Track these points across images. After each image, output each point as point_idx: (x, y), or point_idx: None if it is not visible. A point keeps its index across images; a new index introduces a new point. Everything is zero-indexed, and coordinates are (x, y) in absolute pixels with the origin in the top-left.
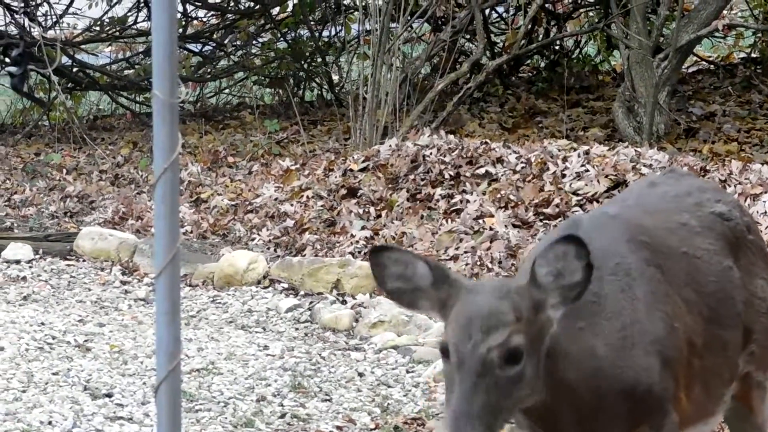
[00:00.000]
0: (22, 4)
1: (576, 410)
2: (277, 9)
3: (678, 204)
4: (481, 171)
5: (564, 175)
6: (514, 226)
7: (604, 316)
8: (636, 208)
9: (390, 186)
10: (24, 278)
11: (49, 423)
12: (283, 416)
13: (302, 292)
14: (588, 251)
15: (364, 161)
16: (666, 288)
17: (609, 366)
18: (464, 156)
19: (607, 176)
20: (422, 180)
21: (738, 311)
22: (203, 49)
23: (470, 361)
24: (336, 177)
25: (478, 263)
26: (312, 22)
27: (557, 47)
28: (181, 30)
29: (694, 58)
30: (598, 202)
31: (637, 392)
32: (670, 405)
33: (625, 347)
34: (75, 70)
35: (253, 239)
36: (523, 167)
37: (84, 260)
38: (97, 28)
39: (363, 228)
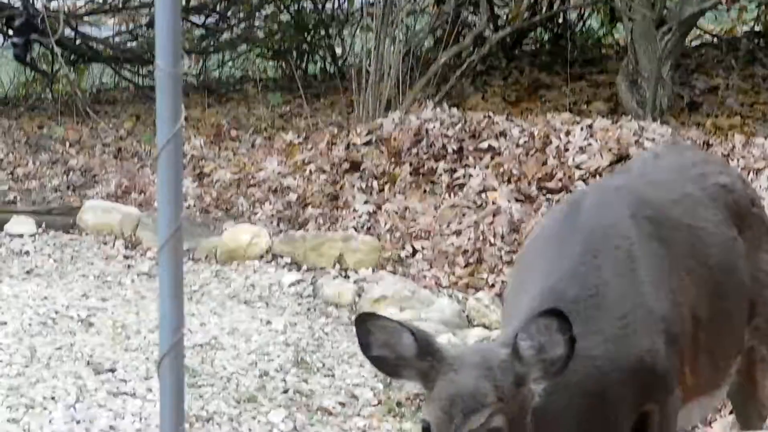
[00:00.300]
0: None
1: (577, 412)
2: None
3: (682, 175)
4: (484, 145)
5: (567, 149)
6: (517, 200)
7: (602, 307)
8: (640, 180)
9: (393, 160)
10: (27, 252)
11: (52, 398)
12: (285, 392)
13: (305, 267)
14: (570, 325)
15: (367, 135)
16: (670, 262)
17: (608, 362)
18: (467, 130)
19: (610, 150)
20: (425, 154)
21: (742, 283)
22: (206, 22)
23: None
24: (339, 151)
25: (481, 238)
26: None
27: (561, 20)
28: (184, 2)
29: (698, 32)
30: (600, 176)
31: (641, 373)
32: (674, 381)
33: (626, 335)
34: (78, 42)
35: (255, 213)
36: (526, 141)
37: (87, 234)
38: (100, 0)
39: (366, 202)
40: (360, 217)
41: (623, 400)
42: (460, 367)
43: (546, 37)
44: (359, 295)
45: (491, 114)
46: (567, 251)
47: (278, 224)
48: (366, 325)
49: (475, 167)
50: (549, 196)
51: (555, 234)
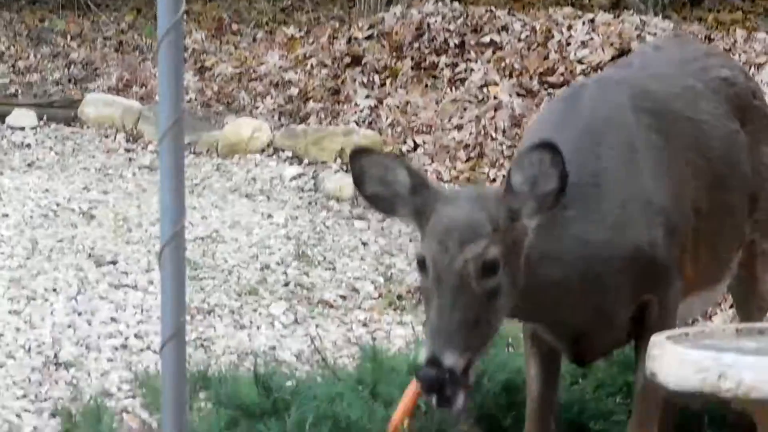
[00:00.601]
0: None
1: (574, 295)
2: None
3: (683, 69)
4: (486, 39)
5: (569, 44)
6: (519, 94)
7: (601, 195)
8: (641, 72)
9: (394, 54)
10: (28, 145)
11: (54, 290)
12: (286, 284)
13: (306, 161)
14: (563, 159)
15: (368, 29)
16: (670, 154)
17: (607, 247)
18: (469, 24)
19: (611, 44)
20: (427, 48)
21: (744, 175)
22: None
23: (447, 276)
24: (340, 45)
25: (482, 132)
26: None
27: None
28: None
29: None
30: (602, 70)
31: (640, 263)
32: (675, 273)
33: (625, 223)
34: None
35: (257, 107)
36: (527, 36)
37: (88, 127)
38: None
39: (367, 97)
40: (361, 111)
41: (620, 288)
42: (454, 201)
43: None
44: None
45: (493, 8)
46: (566, 137)
47: (279, 118)
48: (360, 161)
49: (476, 62)
50: (550, 90)
51: (554, 122)
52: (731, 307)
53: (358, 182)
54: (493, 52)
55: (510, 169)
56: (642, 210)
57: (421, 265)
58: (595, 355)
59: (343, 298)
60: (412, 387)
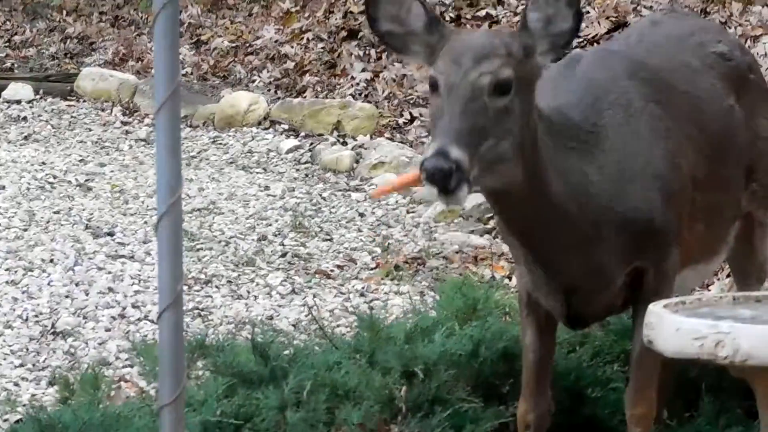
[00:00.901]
0: None
1: (570, 234)
2: None
3: (680, 44)
4: (482, 13)
5: None
6: None
7: (600, 147)
8: (638, 47)
9: None
10: (24, 118)
11: (51, 261)
12: (284, 255)
13: (303, 134)
14: None
15: (364, 3)
16: (667, 124)
17: (604, 195)
18: None
19: (608, 18)
20: None
21: (740, 149)
22: None
23: (460, 87)
24: (336, 19)
25: None
26: None
27: None
28: None
29: None
30: (598, 43)
31: (636, 224)
32: (673, 241)
33: (622, 179)
34: None
35: (253, 81)
36: (524, 7)
37: (84, 101)
38: None
39: (363, 70)
40: (358, 84)
41: (614, 242)
42: (469, 32)
43: None
44: (357, 161)
45: None
46: (566, 91)
47: (276, 91)
48: None
49: None
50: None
51: (552, 81)
52: (728, 276)
53: (373, 20)
54: (490, 26)
55: (526, 7)
56: (640, 171)
57: (433, 86)
58: (588, 317)
59: (341, 268)
60: (412, 173)
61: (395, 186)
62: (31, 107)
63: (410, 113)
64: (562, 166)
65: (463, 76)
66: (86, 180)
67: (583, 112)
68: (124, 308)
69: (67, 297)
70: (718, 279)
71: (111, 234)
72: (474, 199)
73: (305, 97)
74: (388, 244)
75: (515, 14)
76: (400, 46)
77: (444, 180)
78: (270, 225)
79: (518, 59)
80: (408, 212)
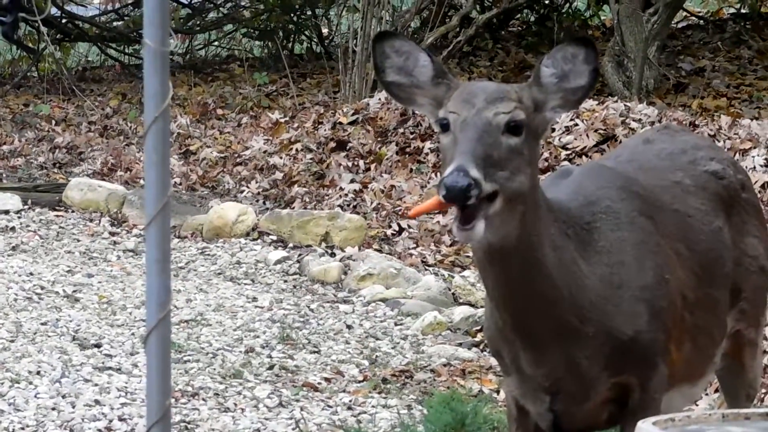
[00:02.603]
0: None
1: (557, 319)
2: None
3: (672, 162)
4: None
5: (553, 129)
6: None
7: (593, 247)
8: (630, 164)
9: (379, 139)
10: (13, 228)
11: (38, 373)
12: (271, 367)
13: (291, 245)
14: (597, 56)
15: (353, 114)
16: (657, 239)
17: (593, 291)
18: None
19: (596, 130)
20: (411, 133)
21: (727, 271)
22: (193, 1)
23: (475, 121)
24: (325, 130)
25: None
26: None
27: (547, 2)
28: None
29: (684, 14)
30: (587, 156)
31: (622, 337)
32: (659, 358)
33: (612, 284)
34: (64, 21)
35: (242, 191)
36: (538, 62)
37: (73, 211)
38: None
39: (352, 181)
40: (346, 195)
41: (600, 354)
42: (477, 81)
43: (532, 18)
44: (345, 273)
45: None
46: (561, 190)
47: (264, 202)
48: (383, 47)
49: None
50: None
51: (545, 187)
52: (716, 391)
53: (380, 70)
54: None
55: (540, 61)
56: (628, 281)
57: (444, 126)
58: (572, 426)
59: (328, 381)
60: (434, 198)
61: (429, 207)
62: (19, 217)
63: (398, 224)
64: (558, 244)
65: (477, 113)
66: (74, 291)
67: (578, 209)
68: (110, 421)
69: (53, 409)
70: (707, 394)
71: (98, 345)
72: (462, 312)
73: (294, 208)
74: (376, 356)
75: None
76: (406, 97)
77: (463, 195)
78: (258, 337)
79: (528, 108)
80: (396, 324)
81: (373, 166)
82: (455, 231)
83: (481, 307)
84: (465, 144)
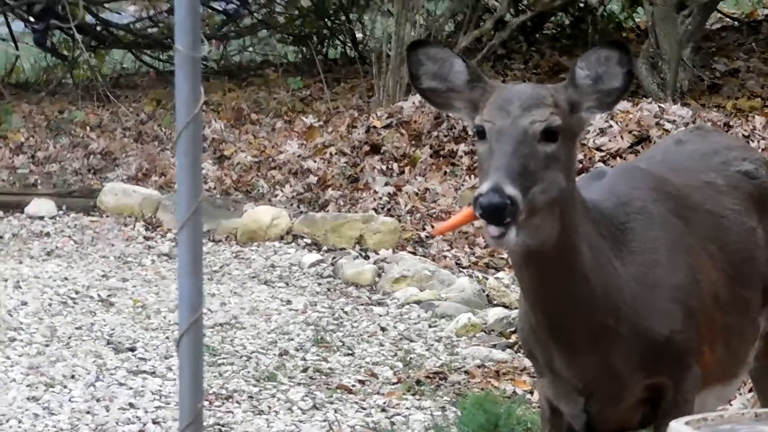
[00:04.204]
0: None
1: (591, 321)
2: None
3: (705, 162)
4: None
5: (588, 131)
6: None
7: (627, 246)
8: (663, 165)
9: (413, 142)
10: (47, 234)
11: (72, 377)
12: (305, 370)
13: (325, 248)
14: (631, 59)
15: (387, 118)
16: (690, 240)
17: (627, 291)
18: None
19: (630, 132)
20: (445, 136)
21: (760, 271)
22: (227, 7)
23: (511, 131)
24: (359, 134)
25: None
26: None
27: (581, 4)
28: None
29: (718, 15)
30: (621, 157)
31: (656, 337)
32: (692, 359)
33: (646, 283)
34: (98, 28)
35: (276, 195)
36: (573, 64)
37: (107, 216)
38: None
39: (386, 184)
40: (380, 198)
41: (633, 354)
42: (514, 85)
43: (567, 21)
44: (379, 275)
45: None
46: (594, 192)
47: (298, 206)
48: (417, 55)
49: None
50: None
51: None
52: (750, 390)
53: (415, 78)
54: None
55: (575, 62)
56: (662, 281)
57: (481, 133)
58: (606, 427)
59: (362, 383)
60: (467, 210)
61: (454, 224)
62: (53, 223)
63: (432, 227)
64: (594, 244)
65: (512, 122)
66: (108, 295)
67: (612, 210)
68: (144, 424)
69: (88, 413)
70: (740, 394)
71: (132, 349)
72: (496, 314)
73: (328, 211)
74: (410, 358)
75: None
76: (443, 102)
77: (498, 215)
78: (292, 339)
79: (564, 111)
80: (430, 326)
81: (407, 169)
82: (488, 239)
83: (515, 308)
84: (501, 158)
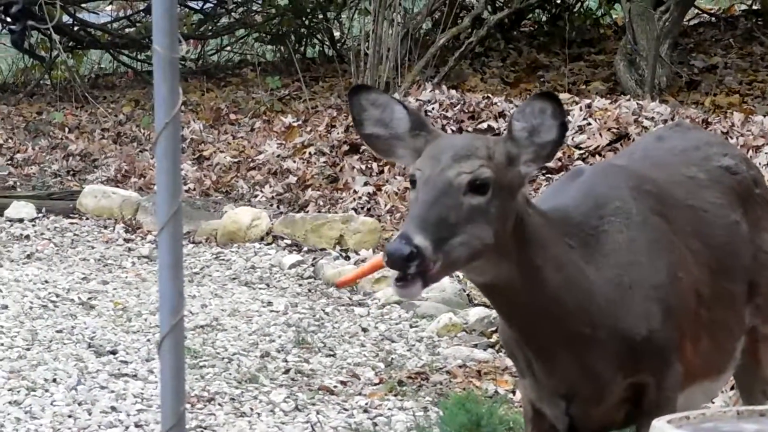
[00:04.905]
0: None
1: (566, 331)
2: None
3: (685, 158)
4: (484, 126)
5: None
6: None
7: (600, 250)
8: (643, 161)
9: None
10: (27, 237)
11: (54, 380)
12: (287, 371)
13: (305, 248)
14: (564, 111)
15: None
16: (670, 237)
17: (602, 297)
18: (466, 111)
19: (609, 129)
20: None
21: (744, 265)
22: (204, 6)
23: (435, 181)
24: (338, 133)
25: None
26: None
27: (558, 1)
28: None
29: (696, 11)
30: (600, 155)
31: (635, 337)
32: (674, 356)
33: (621, 285)
34: (76, 28)
35: (255, 196)
36: (510, 116)
37: (87, 218)
38: None
39: (365, 184)
40: (360, 198)
41: (613, 356)
42: (453, 135)
43: (544, 18)
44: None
45: (490, 95)
46: (567, 197)
47: (278, 206)
48: (359, 99)
49: None
50: (548, 176)
51: (555, 190)
52: (732, 389)
53: (358, 123)
54: None
55: (512, 115)
56: (639, 281)
57: (412, 182)
58: (589, 427)
59: (344, 384)
60: (376, 259)
61: (363, 272)
62: (33, 225)
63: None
64: (561, 261)
65: (440, 172)
66: (89, 298)
67: (585, 215)
68: (127, 428)
69: (70, 417)
70: (723, 392)
71: (114, 352)
72: (477, 313)
73: (308, 211)
74: (392, 359)
75: None
76: (385, 149)
77: (403, 263)
78: (273, 341)
79: (499, 164)
80: (411, 327)
81: (386, 169)
82: (393, 287)
83: None
84: (419, 207)
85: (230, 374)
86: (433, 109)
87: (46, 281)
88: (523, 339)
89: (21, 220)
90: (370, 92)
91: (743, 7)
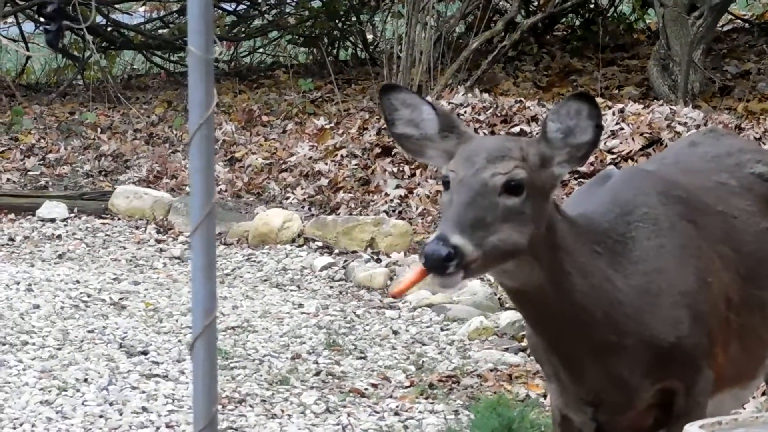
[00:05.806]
0: None
1: (593, 339)
2: None
3: (717, 164)
4: (516, 129)
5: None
6: None
7: (628, 257)
8: (674, 167)
9: None
10: (59, 237)
11: (85, 380)
12: (318, 374)
13: (337, 251)
14: (600, 112)
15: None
16: (699, 243)
17: (629, 304)
18: (499, 114)
19: (641, 134)
20: None
21: None
22: (237, 8)
23: (471, 183)
24: (370, 136)
25: None
26: None
27: (592, 5)
28: None
29: (729, 17)
30: (632, 160)
31: (663, 344)
32: (703, 361)
33: (649, 292)
34: (109, 29)
35: (287, 198)
36: (544, 117)
37: (119, 219)
38: None
39: (397, 186)
40: (391, 201)
41: (641, 362)
42: (486, 137)
43: (577, 23)
44: (391, 279)
45: (522, 99)
46: (596, 203)
47: (310, 208)
48: (390, 99)
49: None
50: (580, 180)
51: (583, 194)
52: (763, 394)
53: (390, 122)
54: None
55: (546, 116)
56: (668, 288)
57: (446, 184)
58: None
59: (375, 386)
60: (418, 266)
61: (416, 277)
62: (65, 225)
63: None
64: (588, 269)
65: (474, 173)
66: (120, 298)
67: (612, 222)
68: (158, 428)
69: (101, 417)
70: (754, 398)
71: (145, 353)
72: (508, 317)
73: (339, 214)
74: (423, 362)
75: None
76: (416, 150)
77: (441, 265)
78: (304, 343)
79: (533, 165)
80: (442, 330)
81: (418, 172)
82: (432, 278)
83: None
84: (455, 208)
85: (261, 376)
86: (465, 112)
87: (78, 281)
88: (550, 346)
89: (53, 220)
90: (400, 92)
91: None
